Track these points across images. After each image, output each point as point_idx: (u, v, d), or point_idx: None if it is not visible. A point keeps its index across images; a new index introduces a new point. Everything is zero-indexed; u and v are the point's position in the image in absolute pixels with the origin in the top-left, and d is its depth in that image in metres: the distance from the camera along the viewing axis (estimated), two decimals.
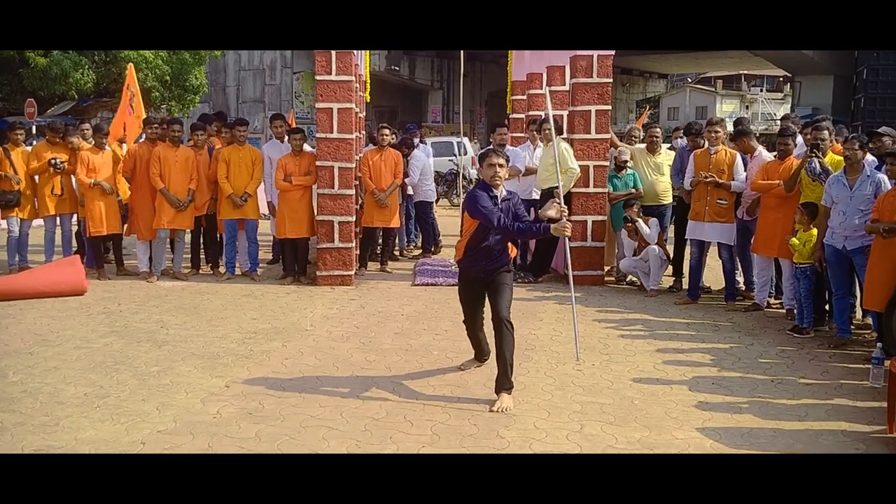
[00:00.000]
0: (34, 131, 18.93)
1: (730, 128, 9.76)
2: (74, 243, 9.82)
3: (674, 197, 9.16)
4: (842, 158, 6.81)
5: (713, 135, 8.14)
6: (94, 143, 9.34)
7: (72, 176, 9.32)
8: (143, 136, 9.70)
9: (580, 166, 9.07)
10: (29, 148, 9.63)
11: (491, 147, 5.91)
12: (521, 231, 5.35)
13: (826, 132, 7.23)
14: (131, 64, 11.86)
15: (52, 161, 9.12)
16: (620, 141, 10.19)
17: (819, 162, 7.02)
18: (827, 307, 7.33)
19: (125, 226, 9.43)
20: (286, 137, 9.57)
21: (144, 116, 10.19)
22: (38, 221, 9.58)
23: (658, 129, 9.82)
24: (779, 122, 9.86)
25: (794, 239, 7.04)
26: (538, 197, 9.61)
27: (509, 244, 5.60)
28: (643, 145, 9.63)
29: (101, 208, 9.03)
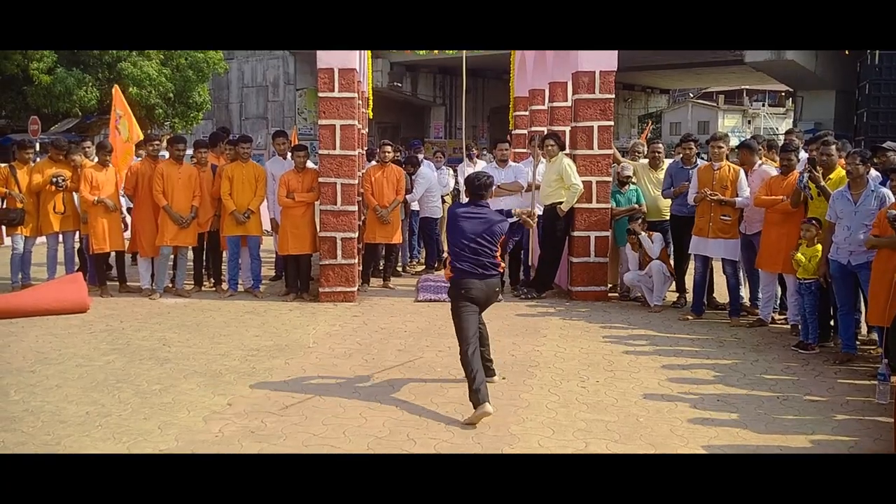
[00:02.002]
0: (38, 148, 18.99)
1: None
2: (77, 260, 9.81)
3: (671, 215, 9.15)
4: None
5: (717, 150, 8.13)
6: (97, 160, 9.36)
7: (74, 193, 9.32)
8: (142, 154, 9.72)
9: (583, 182, 9.06)
10: (33, 164, 9.64)
11: (479, 171, 5.95)
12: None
13: (833, 147, 7.22)
14: (116, 86, 11.85)
15: (55, 178, 9.13)
16: (623, 157, 10.19)
17: (811, 176, 7.02)
18: (832, 323, 7.30)
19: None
20: (289, 154, 9.59)
21: (141, 137, 10.20)
22: (41, 239, 9.58)
23: (661, 145, 9.84)
24: (781, 138, 9.91)
25: (798, 254, 7.01)
26: (540, 213, 9.59)
27: (497, 258, 5.61)
28: (646, 161, 9.63)
29: (103, 225, 9.03)
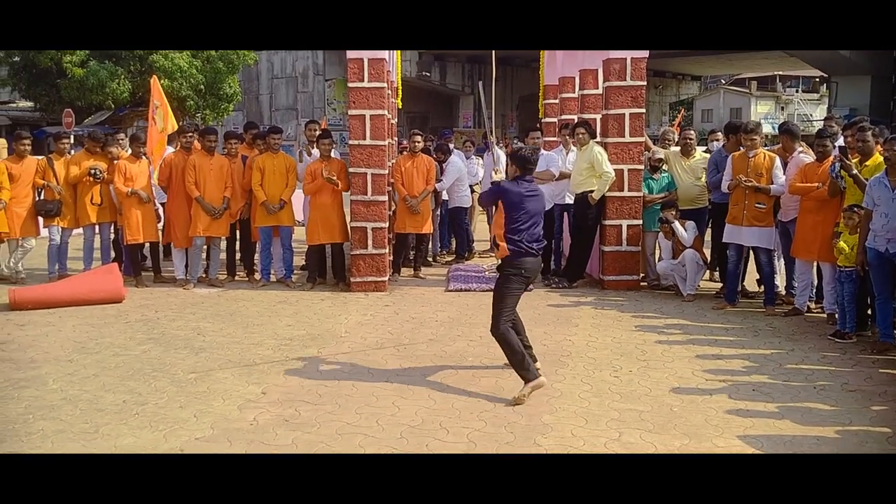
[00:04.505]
0: (72, 140, 19.23)
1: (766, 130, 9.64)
2: (112, 251, 9.93)
3: (709, 201, 9.05)
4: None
5: (749, 142, 7.99)
6: (130, 152, 9.46)
7: (111, 185, 9.43)
8: (178, 145, 9.78)
9: (614, 170, 8.99)
10: (69, 156, 9.78)
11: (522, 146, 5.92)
12: None
13: (869, 133, 7.09)
14: (155, 77, 11.96)
15: (93, 171, 9.25)
16: (654, 144, 10.09)
17: (842, 165, 6.92)
18: (869, 311, 7.19)
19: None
20: (317, 142, 9.62)
21: (177, 127, 10.27)
22: (78, 230, 9.71)
23: (692, 132, 9.71)
24: (815, 124, 9.76)
25: (841, 242, 6.88)
26: (571, 201, 9.55)
27: None
28: (677, 148, 9.53)
29: (137, 217, 9.14)
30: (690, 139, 9.42)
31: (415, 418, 5.04)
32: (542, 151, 10.00)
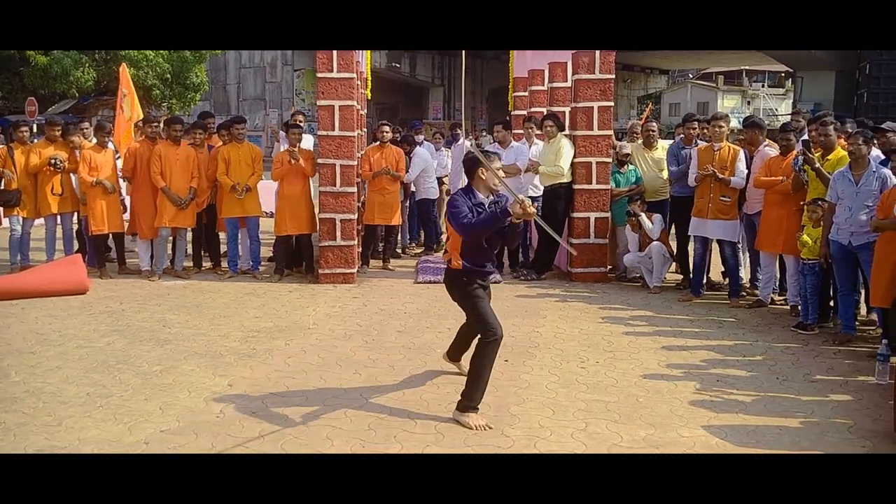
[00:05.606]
0: (35, 129, 18.91)
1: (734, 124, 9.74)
2: (76, 242, 9.79)
3: (670, 195, 9.12)
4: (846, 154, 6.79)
5: (717, 129, 8.09)
6: (95, 141, 9.32)
7: (72, 174, 9.29)
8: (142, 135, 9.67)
9: (582, 163, 9.06)
10: (31, 144, 9.60)
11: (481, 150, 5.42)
12: (482, 222, 4.88)
13: (831, 127, 7.20)
14: (124, 65, 11.81)
15: (52, 160, 9.10)
16: (621, 138, 10.15)
17: (805, 158, 7.01)
18: (831, 304, 7.30)
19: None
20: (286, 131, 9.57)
21: (142, 117, 10.16)
22: (40, 221, 9.56)
23: (654, 124, 9.79)
24: (780, 118, 9.89)
25: (804, 236, 6.98)
26: (539, 194, 9.57)
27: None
28: (640, 141, 9.60)
29: (102, 207, 9.01)
30: (653, 132, 9.49)
31: (383, 410, 5.04)
32: (513, 143, 10.02)
